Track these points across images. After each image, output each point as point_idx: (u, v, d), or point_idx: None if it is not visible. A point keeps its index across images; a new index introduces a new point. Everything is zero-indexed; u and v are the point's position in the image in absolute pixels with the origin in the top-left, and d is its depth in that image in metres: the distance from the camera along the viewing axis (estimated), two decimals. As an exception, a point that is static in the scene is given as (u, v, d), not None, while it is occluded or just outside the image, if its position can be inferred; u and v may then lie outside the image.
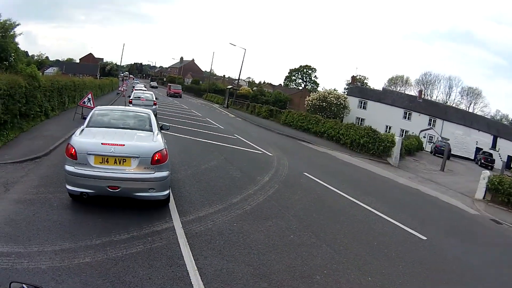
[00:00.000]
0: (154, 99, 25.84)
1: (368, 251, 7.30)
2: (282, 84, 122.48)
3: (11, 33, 19.00)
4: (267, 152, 17.42)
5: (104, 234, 6.51)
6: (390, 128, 49.43)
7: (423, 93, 72.55)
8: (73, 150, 7.02)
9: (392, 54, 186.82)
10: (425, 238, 8.85)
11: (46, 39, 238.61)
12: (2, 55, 17.82)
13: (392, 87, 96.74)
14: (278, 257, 6.48)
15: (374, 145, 23.19)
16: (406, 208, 11.71)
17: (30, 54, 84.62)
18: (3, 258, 5.44)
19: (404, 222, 9.62)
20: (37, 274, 5.19)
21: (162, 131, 9.62)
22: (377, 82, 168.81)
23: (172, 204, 8.17)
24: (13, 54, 18.66)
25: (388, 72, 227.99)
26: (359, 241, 7.82)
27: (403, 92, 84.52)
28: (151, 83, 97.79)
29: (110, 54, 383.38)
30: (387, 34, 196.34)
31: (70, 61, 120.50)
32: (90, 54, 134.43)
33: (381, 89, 72.65)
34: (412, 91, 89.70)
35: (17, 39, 19.73)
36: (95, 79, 49.24)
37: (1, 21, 18.69)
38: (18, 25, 19.45)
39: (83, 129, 8.04)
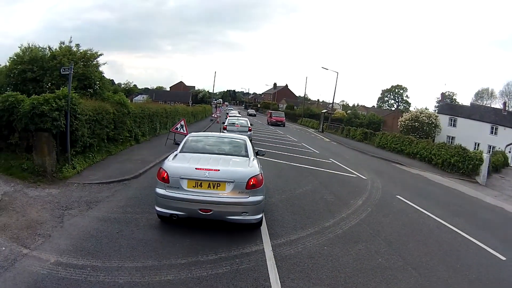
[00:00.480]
0: (249, 125, 26.39)
1: (451, 274, 7.36)
2: (375, 105, 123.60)
3: (94, 62, 20.70)
4: (361, 176, 17.68)
5: (191, 254, 6.71)
6: (478, 145, 46.58)
7: (507, 104, 67.60)
8: (166, 174, 7.53)
9: (476, 66, 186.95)
10: (504, 258, 8.70)
11: (134, 68, 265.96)
12: (86, 83, 19.51)
13: (479, 101, 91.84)
14: (364, 280, 6.56)
15: (464, 164, 23.16)
16: (489, 228, 11.56)
17: (116, 82, 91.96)
18: (76, 270, 5.74)
19: (486, 242, 9.59)
20: (112, 287, 5.38)
21: (257, 156, 10.05)
22: (464, 98, 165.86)
23: (264, 228, 8.44)
24: (98, 82, 20.40)
25: (474, 86, 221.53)
26: (444, 263, 7.88)
27: (489, 105, 79.39)
28: (248, 110, 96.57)
29: (201, 82, 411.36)
30: (469, 46, 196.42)
31: (160, 89, 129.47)
32: (181, 82, 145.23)
33: (469, 105, 68.32)
34: (498, 104, 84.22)
35: (101, 68, 21.54)
36: (188, 106, 52.13)
37: (81, 51, 20.47)
38: (100, 55, 21.20)
39: (176, 155, 8.65)
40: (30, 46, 20.11)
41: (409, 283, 6.63)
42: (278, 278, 6.16)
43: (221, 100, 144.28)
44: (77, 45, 20.47)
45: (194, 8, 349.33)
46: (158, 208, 7.59)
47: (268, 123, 59.66)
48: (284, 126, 57.29)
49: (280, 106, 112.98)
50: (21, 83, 18.67)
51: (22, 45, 19.99)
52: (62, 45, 20.17)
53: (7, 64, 19.71)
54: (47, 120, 10.84)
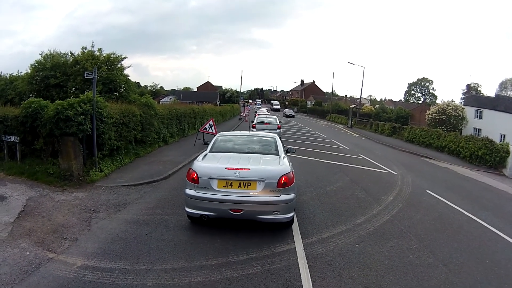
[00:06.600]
0: (278, 123, 26.40)
1: (480, 270, 7.29)
2: (403, 99, 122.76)
3: (118, 65, 21.09)
4: (391, 171, 17.79)
5: (221, 255, 6.67)
6: (504, 136, 44.98)
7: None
8: (195, 174, 7.51)
9: (500, 56, 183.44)
10: (533, 253, 8.60)
11: (159, 70, 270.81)
12: (111, 86, 19.90)
13: (503, 91, 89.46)
14: (395, 278, 6.53)
15: (491, 156, 23.22)
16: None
17: (142, 85, 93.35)
18: (103, 273, 5.75)
19: (512, 236, 9.55)
20: (140, 290, 5.35)
21: (288, 154, 10.04)
22: (489, 89, 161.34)
23: (295, 226, 8.45)
24: (123, 85, 20.70)
25: (498, 76, 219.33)
26: (473, 259, 7.83)
27: (513, 95, 77.30)
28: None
29: (228, 81, 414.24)
30: (492, 36, 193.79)
31: (186, 90, 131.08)
32: (208, 82, 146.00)
33: (494, 95, 66.27)
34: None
35: (126, 71, 21.97)
36: (216, 106, 52.55)
37: (105, 55, 20.84)
38: (124, 58, 21.70)
39: (206, 155, 8.65)
40: (52, 52, 20.65)
41: (439, 280, 6.61)
42: (309, 277, 6.13)
43: (255, 99, 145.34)
44: (100, 50, 20.98)
45: (216, 7, 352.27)
46: (188, 209, 7.60)
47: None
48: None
49: (308, 103, 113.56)
50: (44, 89, 19.16)
51: (43, 51, 20.71)
52: (84, 50, 20.66)
53: (29, 71, 20.24)
54: (72, 124, 11.01)
